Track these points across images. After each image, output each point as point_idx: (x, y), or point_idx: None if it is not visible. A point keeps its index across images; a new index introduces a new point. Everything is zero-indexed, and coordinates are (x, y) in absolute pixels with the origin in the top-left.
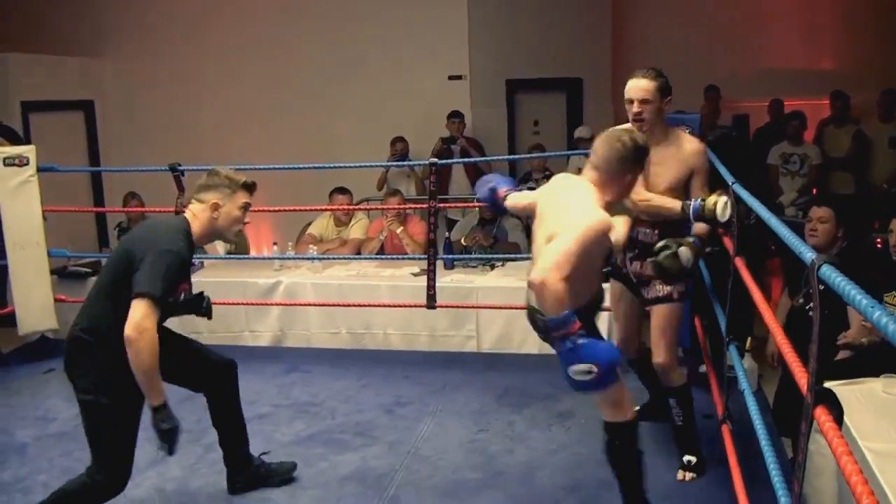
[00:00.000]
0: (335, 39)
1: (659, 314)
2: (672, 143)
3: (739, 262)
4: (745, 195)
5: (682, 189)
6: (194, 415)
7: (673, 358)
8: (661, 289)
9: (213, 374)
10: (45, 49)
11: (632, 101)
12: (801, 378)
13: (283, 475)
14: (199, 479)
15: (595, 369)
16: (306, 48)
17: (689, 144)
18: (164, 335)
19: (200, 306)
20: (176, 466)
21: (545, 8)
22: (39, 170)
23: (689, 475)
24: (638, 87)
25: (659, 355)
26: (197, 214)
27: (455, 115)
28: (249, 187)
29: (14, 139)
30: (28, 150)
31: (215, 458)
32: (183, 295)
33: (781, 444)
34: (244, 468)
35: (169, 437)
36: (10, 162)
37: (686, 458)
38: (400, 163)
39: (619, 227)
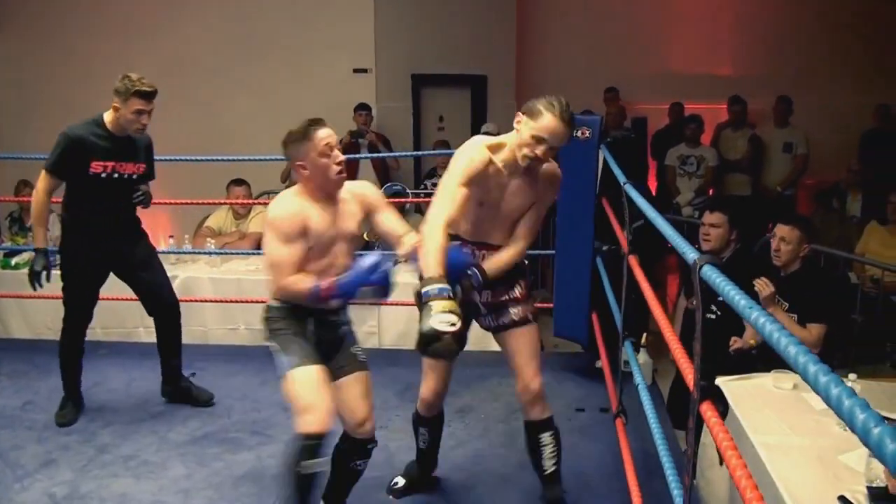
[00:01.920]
0: (239, 25)
1: (523, 338)
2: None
3: (633, 261)
4: (635, 196)
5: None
6: (85, 415)
7: (541, 378)
8: (518, 311)
9: (160, 307)
10: None
11: (543, 141)
12: (688, 374)
13: (201, 400)
14: (90, 482)
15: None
16: (207, 31)
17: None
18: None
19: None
20: (67, 469)
21: (451, 3)
22: None
23: None
24: (560, 133)
25: (534, 381)
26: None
27: (362, 108)
28: (142, 94)
29: None
30: None
31: (107, 461)
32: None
33: (675, 438)
34: (174, 380)
35: (35, 277)
36: None
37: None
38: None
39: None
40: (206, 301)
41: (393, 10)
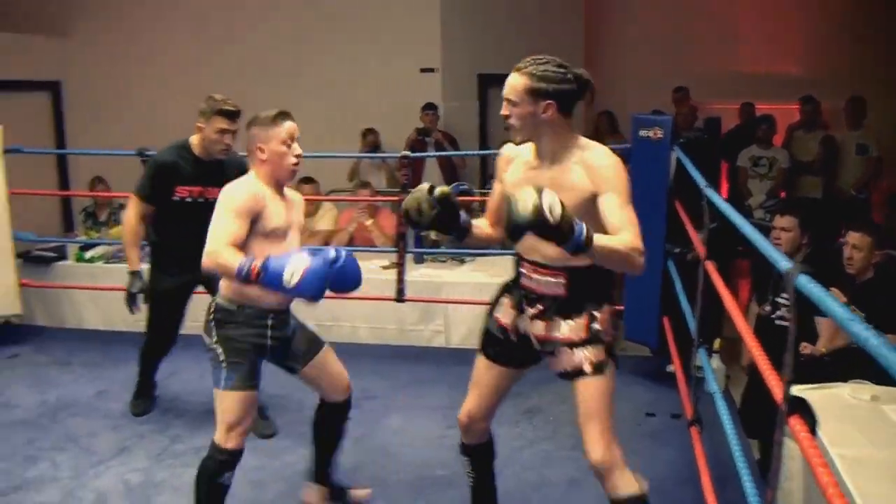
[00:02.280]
0: (308, 26)
1: (580, 395)
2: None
3: (710, 267)
4: (717, 200)
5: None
6: (160, 405)
7: (612, 452)
8: (582, 358)
9: None
10: (11, 27)
11: (506, 100)
12: (776, 387)
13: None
14: (164, 471)
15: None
16: (279, 33)
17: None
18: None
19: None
20: (142, 456)
21: (518, 2)
22: (5, 151)
23: None
24: (511, 81)
25: (592, 450)
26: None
27: (429, 108)
28: (226, 113)
29: None
30: None
31: (180, 450)
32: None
33: (749, 447)
34: None
35: (131, 299)
36: None
37: None
38: (371, 155)
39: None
40: None
41: (460, 9)
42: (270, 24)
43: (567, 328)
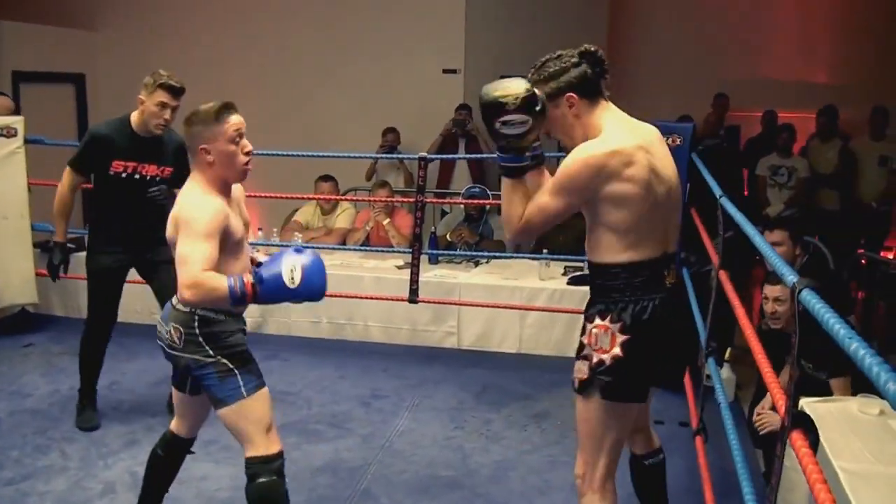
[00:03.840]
0: (331, 25)
1: (578, 411)
2: None
3: (724, 276)
4: (732, 210)
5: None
6: (168, 398)
7: (589, 475)
8: (577, 369)
9: None
10: (39, 19)
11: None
12: (779, 400)
13: None
14: None
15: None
16: (301, 32)
17: None
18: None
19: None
20: (149, 449)
21: (542, 4)
22: (27, 141)
23: None
24: None
25: (575, 465)
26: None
27: (463, 108)
28: (168, 87)
29: None
30: (17, 122)
31: None
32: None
33: (755, 457)
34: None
35: (52, 269)
36: None
37: None
38: (390, 155)
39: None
40: None
41: (484, 11)
42: (296, 23)
43: (588, 328)
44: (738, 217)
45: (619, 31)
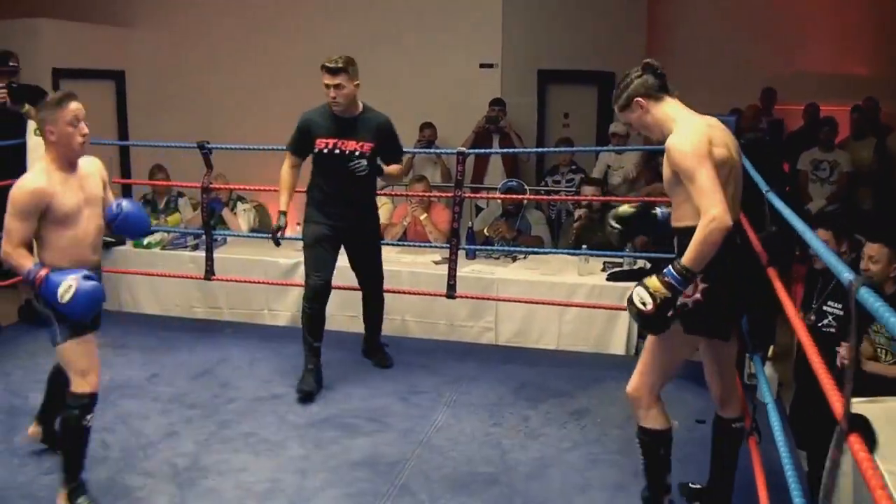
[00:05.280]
0: (366, 21)
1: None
2: None
3: (772, 273)
4: (779, 205)
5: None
6: (209, 391)
7: (643, 390)
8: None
9: (367, 282)
10: (77, 16)
11: None
12: (836, 403)
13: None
14: (211, 455)
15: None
16: (338, 25)
17: None
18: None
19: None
20: (189, 441)
21: None
22: None
23: None
24: None
25: (630, 381)
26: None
27: (497, 103)
28: (324, 69)
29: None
30: None
31: (228, 436)
32: None
33: (799, 458)
34: (376, 352)
35: (274, 232)
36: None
37: None
38: (427, 150)
39: None
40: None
41: (521, 5)
42: (332, 20)
43: None
44: (786, 212)
45: (658, 25)
